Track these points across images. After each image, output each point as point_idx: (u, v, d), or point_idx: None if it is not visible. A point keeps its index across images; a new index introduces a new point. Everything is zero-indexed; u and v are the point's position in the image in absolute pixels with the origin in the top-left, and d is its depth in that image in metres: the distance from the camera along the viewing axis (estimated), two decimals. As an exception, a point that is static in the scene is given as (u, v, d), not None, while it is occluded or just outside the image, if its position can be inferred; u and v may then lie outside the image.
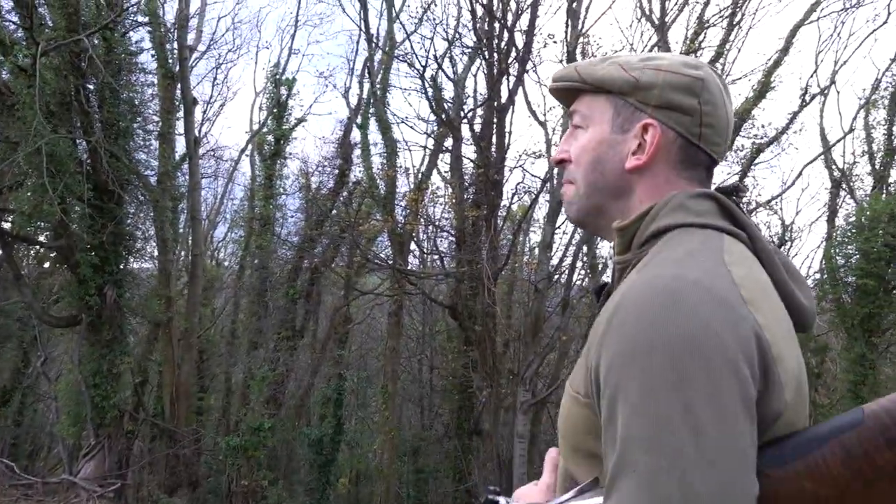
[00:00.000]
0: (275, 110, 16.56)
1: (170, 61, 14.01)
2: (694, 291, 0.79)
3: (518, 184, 13.04)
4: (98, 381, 11.17)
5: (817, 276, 14.95)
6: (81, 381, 11.35)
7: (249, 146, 19.76)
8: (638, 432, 0.74)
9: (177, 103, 14.32)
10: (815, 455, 0.78)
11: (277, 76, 17.07)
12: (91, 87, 10.84)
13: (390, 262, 12.65)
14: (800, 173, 22.64)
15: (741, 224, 0.94)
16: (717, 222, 0.93)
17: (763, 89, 12.74)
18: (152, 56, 13.81)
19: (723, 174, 13.35)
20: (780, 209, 17.00)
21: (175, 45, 14.19)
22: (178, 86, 14.15)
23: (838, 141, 16.04)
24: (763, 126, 13.31)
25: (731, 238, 0.91)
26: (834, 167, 15.88)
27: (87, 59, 10.13)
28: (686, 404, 0.73)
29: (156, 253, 13.94)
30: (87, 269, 10.66)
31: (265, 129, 17.50)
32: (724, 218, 0.95)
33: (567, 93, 1.11)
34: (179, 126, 14.68)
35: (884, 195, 13.70)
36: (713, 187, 1.03)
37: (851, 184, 15.66)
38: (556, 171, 10.99)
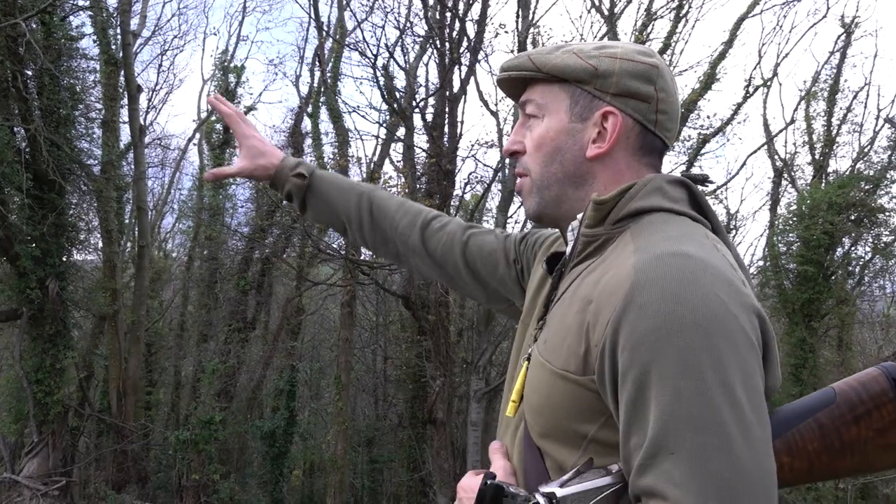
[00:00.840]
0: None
1: (113, 47, 13.59)
2: (709, 272, 0.81)
3: (470, 173, 13.08)
4: (41, 376, 10.87)
5: (760, 262, 15.40)
6: (23, 377, 11.02)
7: (197, 135, 19.34)
8: (680, 412, 0.75)
9: (121, 90, 13.93)
10: (793, 433, 0.86)
11: (226, 63, 16.74)
12: (29, 72, 10.46)
13: (343, 253, 12.55)
14: (744, 163, 23.25)
15: (706, 214, 0.97)
16: (689, 211, 0.95)
17: (708, 80, 13.02)
18: (94, 42, 13.39)
19: (670, 164, 13.61)
20: (726, 198, 17.43)
21: (118, 30, 13.77)
22: (122, 72, 13.76)
23: (780, 131, 16.51)
24: (709, 117, 13.63)
25: (701, 227, 0.94)
26: (776, 157, 16.34)
27: (24, 43, 9.76)
28: (725, 383, 0.75)
29: (100, 244, 13.58)
30: (28, 262, 10.33)
31: (213, 118, 17.15)
32: (691, 206, 0.97)
33: (515, 82, 1.09)
34: (124, 114, 14.30)
35: (823, 184, 14.17)
36: (667, 170, 1.04)
37: (793, 173, 16.14)
38: (507, 160, 11.05)
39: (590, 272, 0.94)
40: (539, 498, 0.87)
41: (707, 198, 0.99)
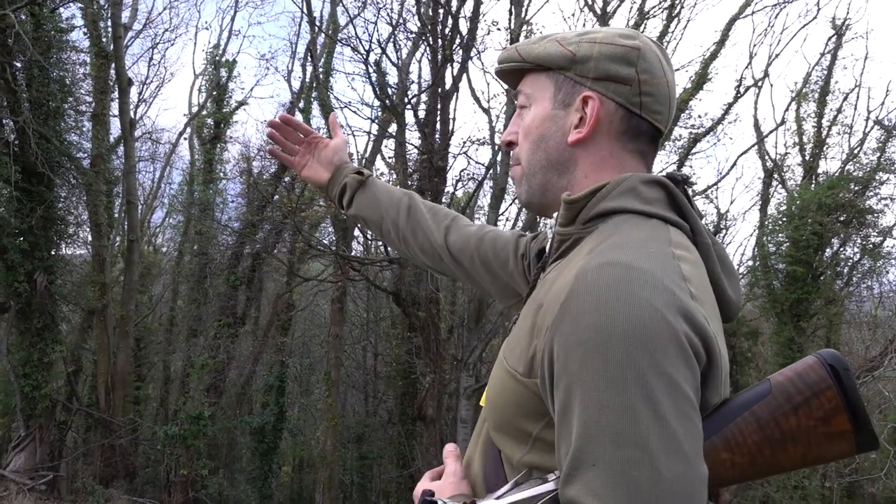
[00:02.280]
0: (214, 93, 16.17)
1: (103, 40, 13.51)
2: (648, 283, 0.80)
3: (462, 170, 13.07)
4: (28, 370, 10.81)
5: (750, 262, 15.47)
6: (10, 371, 10.96)
7: (188, 129, 19.25)
8: (603, 424, 0.75)
9: (111, 83, 13.84)
10: (731, 427, 0.84)
11: (217, 58, 16.67)
12: (18, 64, 10.38)
13: (333, 249, 12.52)
14: (734, 163, 23.37)
15: (685, 215, 0.96)
16: (664, 212, 0.94)
17: (700, 80, 13.06)
18: (85, 34, 13.32)
19: (661, 163, 13.65)
20: (716, 198, 17.51)
21: (109, 22, 13.68)
22: (113, 65, 13.67)
23: (771, 132, 16.58)
24: (700, 116, 13.67)
25: (676, 229, 0.93)
26: (767, 157, 16.41)
27: (13, 35, 9.68)
28: (649, 395, 0.75)
29: (89, 238, 13.50)
30: (16, 255, 10.27)
31: (205, 112, 17.08)
32: (670, 207, 0.96)
33: (512, 74, 1.11)
34: (114, 107, 14.22)
35: (813, 185, 14.22)
36: (659, 172, 1.03)
37: (783, 174, 16.20)
38: (499, 157, 11.05)
39: (552, 272, 0.96)
40: None
41: (690, 197, 0.98)
